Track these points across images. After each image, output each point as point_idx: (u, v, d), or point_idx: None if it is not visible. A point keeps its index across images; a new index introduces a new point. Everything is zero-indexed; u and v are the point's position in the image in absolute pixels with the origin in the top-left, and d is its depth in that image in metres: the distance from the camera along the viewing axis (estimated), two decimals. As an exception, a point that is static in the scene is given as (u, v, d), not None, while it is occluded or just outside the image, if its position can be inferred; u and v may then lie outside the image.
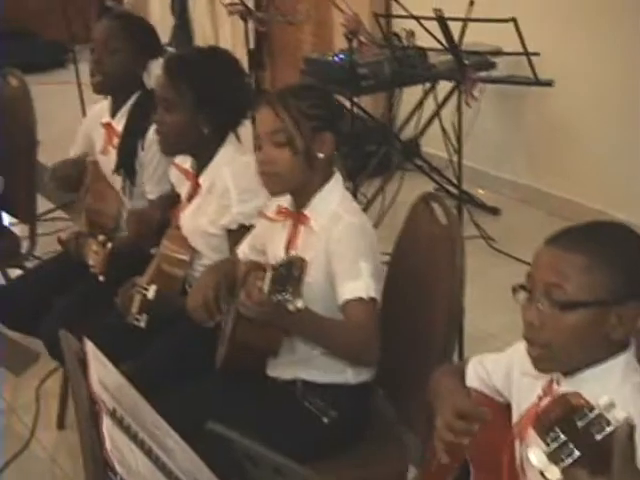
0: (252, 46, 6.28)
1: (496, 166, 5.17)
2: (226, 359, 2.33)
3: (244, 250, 2.52)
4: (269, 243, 2.42)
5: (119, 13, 3.47)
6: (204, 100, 2.57)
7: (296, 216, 2.32)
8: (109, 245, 2.79)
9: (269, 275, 1.93)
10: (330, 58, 4.65)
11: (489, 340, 3.66)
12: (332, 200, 2.28)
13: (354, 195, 4.34)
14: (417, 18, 3.41)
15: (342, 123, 2.39)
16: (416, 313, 2.32)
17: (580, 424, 1.16)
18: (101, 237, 2.82)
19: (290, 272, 1.92)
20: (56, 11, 6.69)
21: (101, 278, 2.81)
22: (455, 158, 4.48)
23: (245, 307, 1.98)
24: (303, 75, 4.82)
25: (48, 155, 4.61)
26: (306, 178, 2.26)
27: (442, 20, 3.15)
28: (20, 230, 4.14)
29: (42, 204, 4.00)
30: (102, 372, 1.38)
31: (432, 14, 3.26)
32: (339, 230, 2.21)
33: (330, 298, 2.19)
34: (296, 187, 2.28)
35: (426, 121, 4.85)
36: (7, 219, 3.90)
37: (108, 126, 3.07)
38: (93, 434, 1.27)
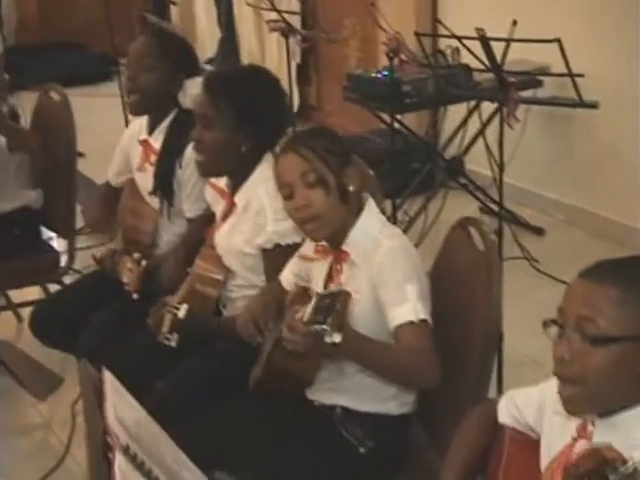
0: (298, 61, 6.31)
1: (541, 185, 5.09)
2: (260, 381, 2.31)
3: (287, 278, 2.49)
4: (311, 277, 2.39)
5: (156, 30, 3.47)
6: (244, 119, 2.55)
7: (336, 254, 2.29)
8: (144, 263, 2.78)
9: (312, 304, 1.92)
10: (373, 75, 4.61)
11: (530, 365, 3.58)
12: (370, 229, 2.25)
13: (394, 214, 4.29)
14: (459, 38, 3.36)
15: (354, 158, 2.37)
16: (452, 340, 2.26)
17: (612, 478, 1.11)
18: (136, 255, 2.82)
19: (333, 304, 1.90)
20: (103, 24, 6.73)
21: (135, 296, 2.81)
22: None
23: (285, 335, 1.98)
24: (346, 91, 4.79)
25: (90, 167, 4.64)
26: (344, 215, 2.24)
27: (484, 40, 3.10)
28: (59, 244, 4.16)
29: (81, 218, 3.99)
30: (120, 405, 1.34)
31: (475, 33, 3.20)
32: (380, 257, 2.17)
33: (379, 328, 2.15)
34: (338, 227, 2.24)
35: (470, 139, 4.79)
36: (46, 233, 3.89)
37: (145, 143, 3.06)
38: (103, 469, 1.24)
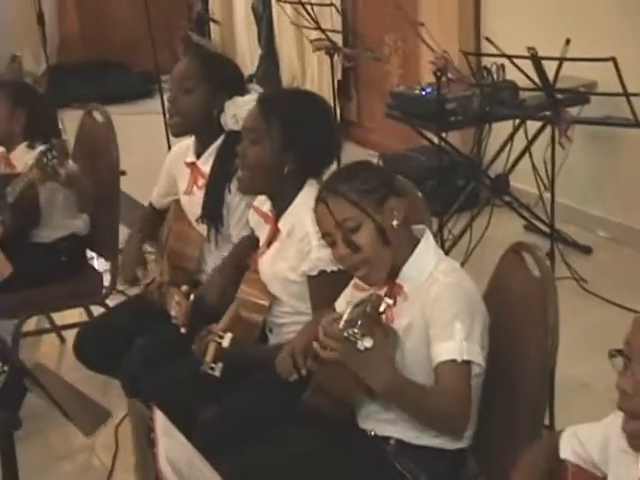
0: (339, 77, 6.28)
1: (586, 203, 5.00)
2: (307, 404, 2.26)
3: (342, 307, 2.42)
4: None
5: (197, 52, 3.45)
6: (292, 140, 2.52)
7: (390, 286, 2.23)
8: (192, 297, 2.73)
9: (347, 312, 1.90)
10: (417, 92, 4.56)
11: (581, 390, 3.49)
12: (425, 264, 2.20)
13: (441, 232, 4.23)
14: (509, 57, 3.29)
15: (397, 181, 2.32)
16: (505, 368, 2.20)
17: None
18: (184, 287, 2.76)
19: (364, 309, 1.88)
20: (143, 43, 6.75)
21: (183, 330, 2.76)
22: (546, 194, 4.37)
23: (320, 338, 1.97)
24: (388, 109, 4.74)
25: (132, 185, 4.62)
26: (392, 252, 2.19)
27: (536, 59, 3.03)
28: (100, 264, 4.14)
29: (123, 233, 3.97)
30: (171, 444, 1.29)
31: (524, 50, 3.14)
32: (434, 293, 2.13)
33: (430, 366, 2.11)
34: (390, 266, 2.19)
35: (516, 157, 4.72)
36: (88, 253, 3.86)
37: (193, 166, 3.02)
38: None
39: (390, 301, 1.99)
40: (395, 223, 2.18)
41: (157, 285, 2.87)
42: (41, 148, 3.17)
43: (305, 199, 2.55)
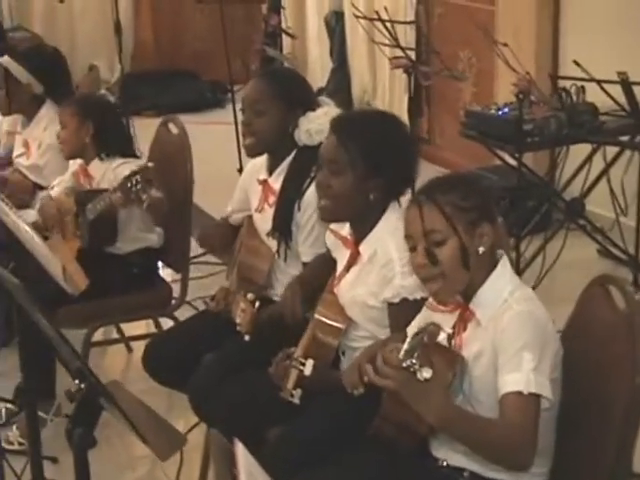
0: (411, 93, 6.22)
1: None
2: (376, 430, 2.23)
3: (414, 330, 2.38)
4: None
5: (266, 72, 3.44)
6: (376, 167, 2.46)
7: (463, 310, 2.19)
8: (257, 304, 2.72)
9: (407, 341, 1.88)
10: (493, 112, 4.49)
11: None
12: (501, 290, 2.14)
13: (517, 253, 4.15)
14: (599, 82, 3.21)
15: (493, 206, 2.25)
16: (588, 406, 2.13)
17: None
18: (250, 295, 2.75)
19: (422, 339, 1.86)
20: (216, 52, 6.78)
21: (247, 337, 2.75)
22: (622, 219, 4.27)
23: (379, 366, 1.95)
24: (463, 127, 4.68)
25: (202, 196, 4.60)
26: (471, 275, 2.14)
27: (627, 84, 2.95)
28: (169, 274, 4.13)
29: (193, 245, 3.96)
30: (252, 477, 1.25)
31: (604, 72, 3.06)
32: (505, 321, 2.07)
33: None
34: (464, 289, 2.15)
35: (593, 180, 4.62)
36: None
37: (265, 184, 3.00)
38: None
39: (449, 330, 1.94)
40: (481, 250, 2.13)
41: (224, 294, 2.84)
42: (128, 169, 3.16)
43: (388, 223, 2.51)
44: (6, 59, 3.94)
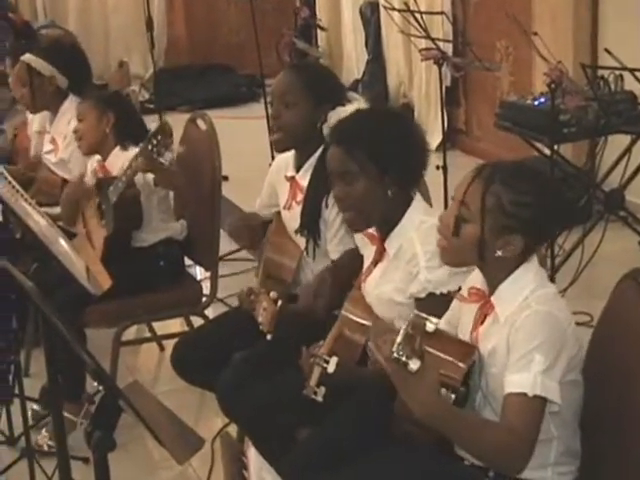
0: (448, 83, 6.19)
1: None
2: (396, 426, 2.23)
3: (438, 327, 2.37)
4: (461, 324, 2.27)
5: (296, 65, 3.43)
6: (385, 164, 2.46)
7: (483, 304, 2.17)
8: (280, 303, 2.71)
9: (400, 333, 1.88)
10: (529, 102, 4.44)
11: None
12: (523, 287, 2.11)
13: (552, 247, 4.11)
14: (632, 70, 3.16)
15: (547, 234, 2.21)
16: (618, 403, 2.09)
17: None
18: (273, 293, 2.75)
19: (407, 330, 1.87)
20: (249, 46, 6.78)
21: (269, 337, 2.74)
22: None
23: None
24: (498, 119, 4.64)
25: (234, 191, 4.63)
26: (494, 267, 2.12)
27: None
28: (199, 272, 4.14)
29: (224, 243, 3.96)
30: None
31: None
32: (522, 319, 2.05)
33: None
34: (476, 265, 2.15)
35: (633, 170, 4.56)
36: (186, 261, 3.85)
37: (292, 180, 3.00)
38: None
39: (435, 320, 1.92)
40: (499, 254, 2.10)
41: (247, 292, 2.84)
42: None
43: (413, 217, 2.50)
44: (27, 56, 3.99)
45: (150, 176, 3.35)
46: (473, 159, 6.20)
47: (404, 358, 1.86)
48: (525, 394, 1.97)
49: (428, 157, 2.57)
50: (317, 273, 2.87)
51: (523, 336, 2.02)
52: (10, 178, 2.71)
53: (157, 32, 6.88)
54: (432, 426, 2.01)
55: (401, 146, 2.48)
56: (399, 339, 1.87)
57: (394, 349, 1.87)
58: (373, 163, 2.45)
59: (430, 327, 1.88)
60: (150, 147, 3.09)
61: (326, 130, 2.85)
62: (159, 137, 3.07)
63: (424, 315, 1.89)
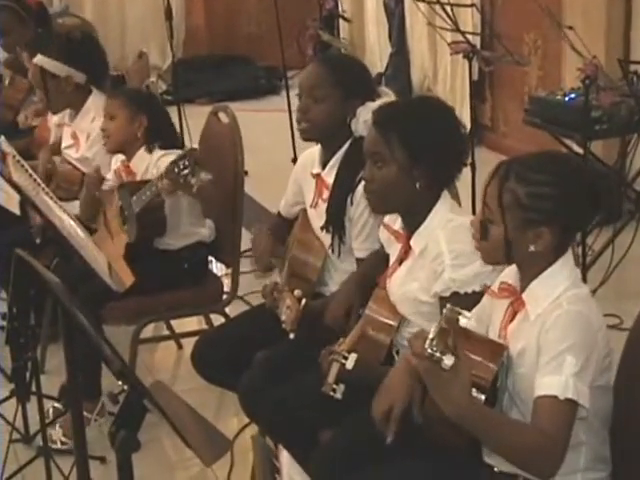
0: (474, 77, 6.16)
1: None
2: (422, 424, 2.20)
3: (470, 323, 2.37)
4: (491, 322, 2.27)
5: (326, 57, 3.43)
6: (419, 154, 2.46)
7: (514, 300, 2.17)
8: (304, 301, 2.72)
9: (433, 329, 1.87)
10: (559, 98, 4.43)
11: None
12: (556, 285, 2.10)
13: (583, 246, 4.10)
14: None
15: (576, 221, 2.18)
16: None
17: None
18: (297, 291, 2.76)
19: (441, 325, 1.85)
20: (270, 37, 6.78)
21: (291, 336, 2.75)
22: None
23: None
24: (527, 115, 4.62)
25: (254, 187, 4.62)
26: (526, 263, 2.13)
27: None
28: (220, 269, 4.15)
29: (246, 239, 3.97)
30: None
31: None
32: (552, 319, 2.04)
33: None
34: (511, 262, 2.16)
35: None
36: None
37: (318, 177, 3.00)
38: None
39: (469, 314, 1.91)
40: (532, 249, 2.10)
41: (271, 289, 2.84)
42: (172, 157, 3.16)
43: (439, 215, 2.50)
44: (39, 58, 3.91)
45: None
46: (499, 156, 6.16)
47: (438, 354, 1.85)
48: (556, 397, 1.96)
49: (464, 160, 2.57)
50: (343, 283, 2.86)
51: (554, 336, 2.01)
52: (31, 171, 2.72)
53: (175, 22, 6.85)
54: (463, 426, 2.01)
55: (439, 141, 2.49)
56: (432, 334, 1.87)
57: (427, 345, 1.86)
58: (405, 151, 2.46)
59: (463, 321, 1.88)
60: (177, 170, 3.07)
61: (354, 126, 2.86)
62: (186, 162, 3.05)
63: (458, 309, 1.89)
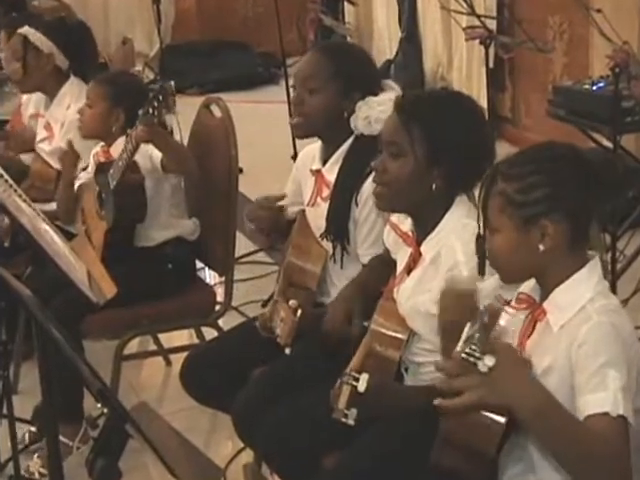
0: (491, 65, 6.16)
1: None
2: (437, 459, 2.18)
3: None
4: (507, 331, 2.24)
5: (325, 46, 3.41)
6: (440, 153, 2.46)
7: (534, 309, 2.16)
8: (299, 313, 2.71)
9: (464, 331, 1.86)
10: (587, 87, 4.42)
11: None
12: (580, 295, 2.09)
13: (614, 249, 4.09)
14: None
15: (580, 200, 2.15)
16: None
17: None
18: (292, 302, 2.76)
19: (483, 320, 1.83)
20: (267, 21, 6.78)
21: (287, 351, 2.76)
22: None
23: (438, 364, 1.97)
24: (551, 106, 4.61)
25: (250, 184, 4.60)
26: (548, 271, 2.11)
27: None
28: (212, 276, 4.13)
29: (240, 244, 3.95)
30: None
31: None
32: (584, 333, 2.03)
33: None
34: (529, 272, 2.15)
35: None
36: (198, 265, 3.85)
37: (318, 174, 2.99)
38: None
39: (511, 310, 1.89)
40: (542, 248, 2.09)
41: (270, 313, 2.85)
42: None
43: (454, 219, 2.50)
44: (25, 28, 3.98)
45: (157, 158, 3.33)
46: (520, 151, 6.17)
47: (477, 354, 1.81)
48: (607, 413, 1.94)
49: (488, 166, 2.52)
50: (341, 289, 2.85)
51: (590, 352, 2.00)
52: (1, 170, 2.71)
53: (164, 4, 6.86)
54: (536, 429, 1.98)
55: (465, 144, 2.48)
56: (468, 333, 1.82)
57: (460, 346, 1.84)
58: (426, 146, 2.46)
59: (506, 316, 1.86)
60: (151, 110, 3.04)
61: (354, 122, 2.84)
62: (160, 98, 3.02)
63: (505, 298, 1.87)
